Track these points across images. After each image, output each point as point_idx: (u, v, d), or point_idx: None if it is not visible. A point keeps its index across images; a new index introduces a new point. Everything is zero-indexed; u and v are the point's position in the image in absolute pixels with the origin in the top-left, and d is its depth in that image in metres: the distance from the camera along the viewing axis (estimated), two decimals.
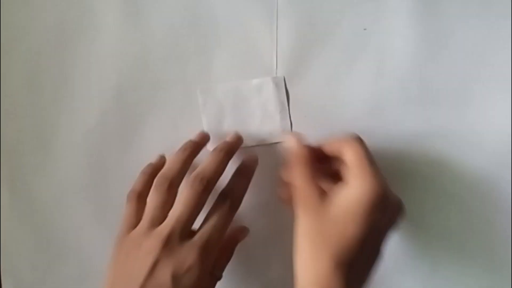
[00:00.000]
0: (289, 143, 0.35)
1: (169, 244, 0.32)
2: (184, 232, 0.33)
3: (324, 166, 0.36)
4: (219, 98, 0.39)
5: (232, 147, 0.37)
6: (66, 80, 0.39)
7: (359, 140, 0.33)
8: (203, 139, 0.38)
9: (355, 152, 0.32)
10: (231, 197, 0.35)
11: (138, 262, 0.33)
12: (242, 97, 0.39)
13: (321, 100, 0.39)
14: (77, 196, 0.39)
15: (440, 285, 0.40)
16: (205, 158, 0.35)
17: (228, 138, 0.38)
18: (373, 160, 0.32)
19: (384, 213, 0.32)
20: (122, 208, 0.36)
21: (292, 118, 0.39)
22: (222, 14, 0.39)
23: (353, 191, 0.31)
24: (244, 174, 0.37)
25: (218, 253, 0.35)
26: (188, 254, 0.32)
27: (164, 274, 0.32)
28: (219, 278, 0.36)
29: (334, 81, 0.39)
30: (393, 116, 0.39)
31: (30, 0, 0.39)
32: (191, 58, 0.39)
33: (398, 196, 0.33)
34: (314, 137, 0.39)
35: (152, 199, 0.35)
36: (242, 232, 0.39)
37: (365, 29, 0.39)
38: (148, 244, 0.33)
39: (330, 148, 0.35)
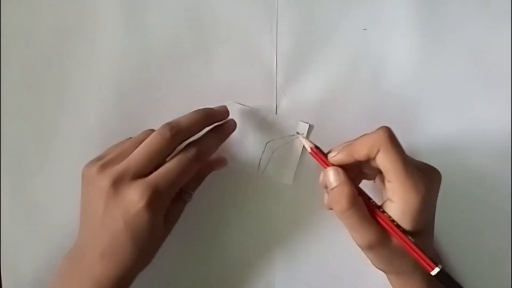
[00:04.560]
0: (334, 179, 0.33)
1: (119, 185, 0.32)
2: (137, 174, 0.32)
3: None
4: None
5: (214, 113, 0.36)
6: (66, 80, 0.39)
7: (390, 143, 0.31)
8: (222, 113, 0.37)
9: (390, 161, 0.31)
10: (198, 148, 0.34)
11: (92, 203, 0.33)
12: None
13: (321, 100, 0.39)
14: (77, 197, 0.39)
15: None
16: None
17: (216, 107, 0.37)
18: (406, 160, 0.31)
19: (430, 204, 0.32)
20: None
21: (292, 119, 0.39)
22: (222, 14, 0.39)
23: (398, 207, 0.31)
24: (218, 134, 0.36)
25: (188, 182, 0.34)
26: (135, 194, 0.31)
27: (116, 217, 0.32)
28: (188, 200, 0.36)
29: (334, 81, 0.39)
30: (393, 116, 0.39)
31: (30, 0, 0.39)
32: (191, 58, 0.39)
33: (431, 167, 0.33)
34: (314, 137, 0.39)
35: (136, 140, 0.34)
36: (220, 162, 0.39)
37: (365, 29, 0.39)
38: (99, 184, 0.32)
39: (360, 152, 0.32)
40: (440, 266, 0.30)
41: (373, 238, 0.31)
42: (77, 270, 0.34)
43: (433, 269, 0.30)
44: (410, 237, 0.31)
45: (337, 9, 0.39)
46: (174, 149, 0.34)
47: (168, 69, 0.39)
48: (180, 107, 0.39)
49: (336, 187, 0.32)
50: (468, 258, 0.40)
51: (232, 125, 0.37)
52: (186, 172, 0.33)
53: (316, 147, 0.34)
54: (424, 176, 0.31)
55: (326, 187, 0.33)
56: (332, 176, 0.33)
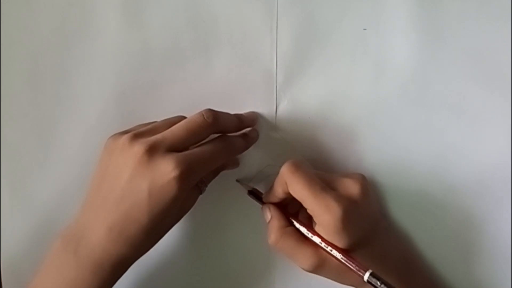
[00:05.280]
0: (266, 216, 0.36)
1: (153, 154, 0.31)
2: (173, 147, 0.32)
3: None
4: None
5: (245, 119, 0.37)
6: (66, 80, 0.39)
7: (292, 175, 0.33)
8: (252, 120, 0.38)
9: (297, 191, 0.33)
10: (231, 140, 0.35)
11: (117, 170, 0.32)
12: None
13: (321, 100, 0.39)
14: (77, 196, 0.39)
15: (441, 285, 0.40)
16: None
17: (245, 113, 0.38)
18: (312, 186, 0.32)
19: (355, 216, 0.33)
20: None
21: (292, 120, 0.39)
22: (222, 14, 0.39)
23: (321, 229, 0.33)
24: (245, 138, 0.37)
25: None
26: (169, 164, 0.30)
27: (141, 186, 0.31)
28: (203, 191, 0.36)
29: (334, 81, 0.39)
30: (393, 116, 0.39)
31: (30, 0, 0.39)
32: (191, 58, 0.39)
33: (349, 177, 0.35)
34: (313, 138, 0.39)
35: (168, 121, 0.35)
36: (233, 161, 0.39)
37: (365, 29, 0.39)
38: (132, 150, 0.31)
39: (278, 190, 0.35)
40: (370, 271, 0.31)
41: (311, 261, 0.33)
42: (74, 249, 0.32)
43: (363, 274, 0.31)
44: (334, 251, 0.32)
45: (337, 9, 0.39)
46: (207, 136, 0.34)
47: (168, 69, 0.39)
48: (180, 107, 0.39)
49: (268, 222, 0.36)
50: (467, 259, 0.40)
51: (256, 134, 0.39)
52: (218, 158, 0.34)
53: (253, 190, 0.38)
54: (339, 193, 0.33)
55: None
56: (264, 214, 0.36)
